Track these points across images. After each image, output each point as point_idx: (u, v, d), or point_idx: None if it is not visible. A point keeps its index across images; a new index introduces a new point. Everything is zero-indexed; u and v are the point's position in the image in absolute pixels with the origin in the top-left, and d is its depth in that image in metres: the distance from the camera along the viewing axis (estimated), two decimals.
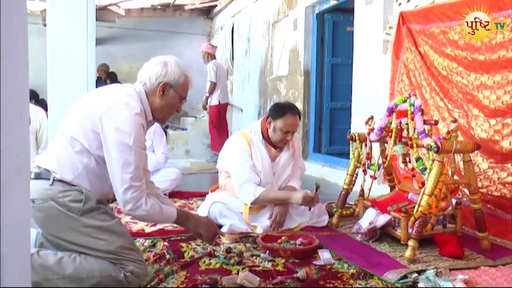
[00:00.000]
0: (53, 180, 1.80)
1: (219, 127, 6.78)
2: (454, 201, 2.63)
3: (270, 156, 2.94)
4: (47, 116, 3.60)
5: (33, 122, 3.51)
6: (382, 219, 2.64)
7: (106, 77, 8.94)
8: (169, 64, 1.98)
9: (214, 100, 6.66)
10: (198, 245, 2.52)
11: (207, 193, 3.18)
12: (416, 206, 2.50)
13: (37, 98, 5.21)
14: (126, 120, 1.81)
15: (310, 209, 2.90)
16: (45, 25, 4.70)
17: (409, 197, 2.89)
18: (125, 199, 1.81)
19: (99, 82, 8.71)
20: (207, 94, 6.65)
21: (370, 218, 2.69)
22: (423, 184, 2.50)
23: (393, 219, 2.61)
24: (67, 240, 1.81)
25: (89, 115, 1.85)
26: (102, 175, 1.87)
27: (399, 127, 2.63)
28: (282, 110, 2.89)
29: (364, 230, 2.66)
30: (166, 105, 1.99)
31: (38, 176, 1.83)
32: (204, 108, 6.83)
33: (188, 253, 2.38)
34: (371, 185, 3.01)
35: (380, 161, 2.96)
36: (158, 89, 1.95)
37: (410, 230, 2.52)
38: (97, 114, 1.82)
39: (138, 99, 1.92)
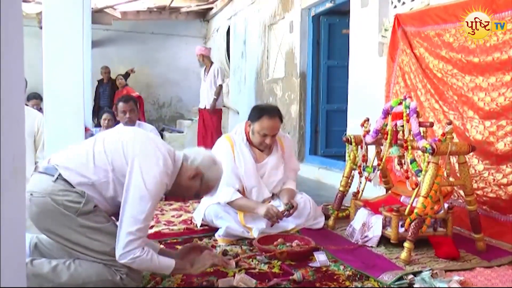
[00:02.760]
0: (57, 177, 1.79)
1: (218, 131, 6.54)
2: (446, 205, 2.63)
3: (255, 158, 2.91)
4: None
5: (31, 124, 3.49)
6: (375, 220, 2.65)
7: (109, 79, 8.87)
8: (218, 165, 2.06)
9: (219, 104, 6.53)
10: None
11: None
12: (408, 206, 2.51)
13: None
14: (155, 174, 1.81)
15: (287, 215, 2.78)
16: (41, 27, 4.70)
17: (401, 200, 2.90)
18: (128, 240, 1.74)
19: (101, 84, 8.69)
20: (215, 97, 6.37)
21: (363, 219, 2.70)
22: (417, 185, 2.51)
23: (384, 219, 2.62)
24: (61, 236, 1.79)
25: (123, 151, 1.85)
26: (105, 195, 1.86)
27: (394, 129, 2.64)
28: (259, 112, 2.83)
29: (359, 234, 2.67)
30: (186, 188, 2.01)
31: (44, 171, 1.82)
32: (215, 112, 6.46)
33: None
34: (365, 185, 3.02)
35: (376, 163, 2.97)
36: (192, 171, 1.97)
37: (400, 230, 2.53)
38: (132, 154, 1.82)
39: (173, 164, 1.92)
